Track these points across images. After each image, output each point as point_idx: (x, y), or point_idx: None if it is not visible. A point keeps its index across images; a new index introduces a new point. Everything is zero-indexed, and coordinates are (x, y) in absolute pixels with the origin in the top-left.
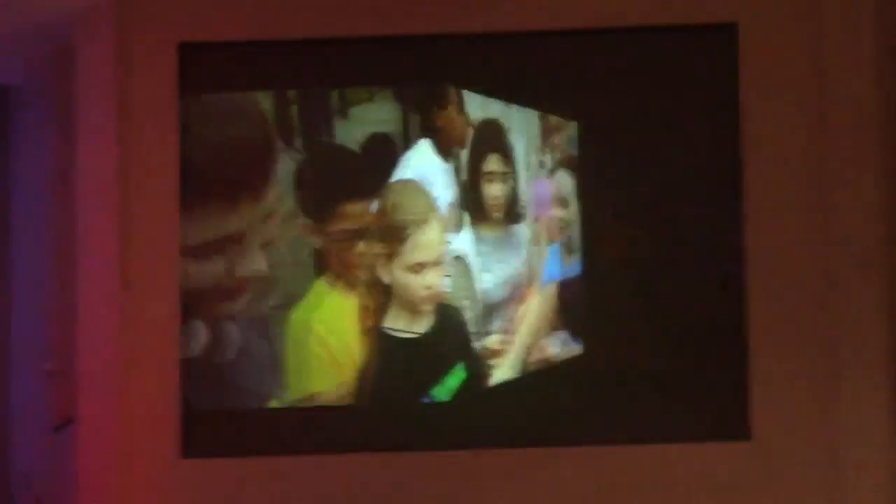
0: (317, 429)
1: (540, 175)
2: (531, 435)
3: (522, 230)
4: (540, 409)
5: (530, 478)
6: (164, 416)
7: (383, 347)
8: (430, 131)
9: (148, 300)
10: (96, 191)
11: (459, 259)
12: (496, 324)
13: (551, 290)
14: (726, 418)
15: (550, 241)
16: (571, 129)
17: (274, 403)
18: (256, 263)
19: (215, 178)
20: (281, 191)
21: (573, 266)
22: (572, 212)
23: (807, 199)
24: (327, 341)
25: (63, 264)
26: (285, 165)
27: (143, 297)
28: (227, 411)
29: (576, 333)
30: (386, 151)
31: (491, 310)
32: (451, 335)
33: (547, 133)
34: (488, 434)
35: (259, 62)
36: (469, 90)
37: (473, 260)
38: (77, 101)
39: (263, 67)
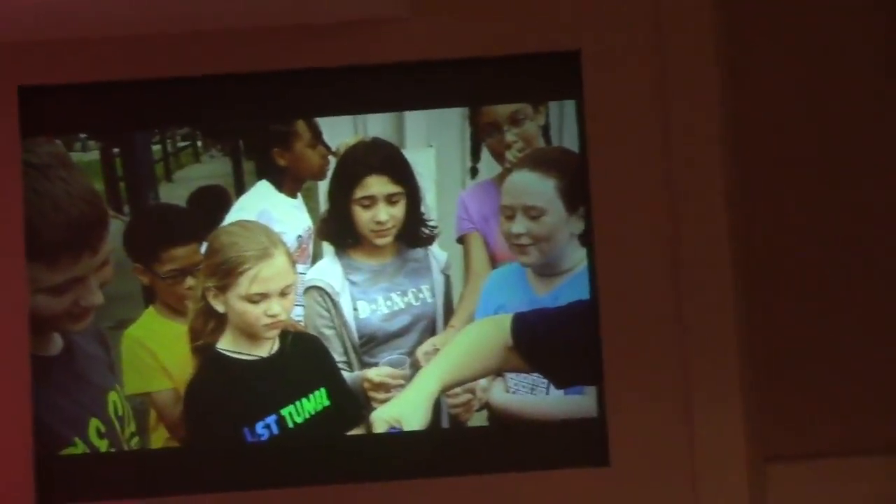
0: (151, 472)
1: (470, 185)
2: (391, 468)
3: (433, 254)
4: (400, 440)
5: None
6: (16, 472)
7: (215, 365)
8: (271, 173)
9: None
10: None
11: (317, 289)
12: (386, 357)
13: (500, 322)
14: (583, 444)
15: (500, 262)
16: (545, 116)
17: (111, 407)
18: (96, 298)
19: (49, 233)
20: (112, 245)
21: (560, 291)
22: (550, 222)
23: (653, 224)
24: (156, 354)
25: None
26: (116, 226)
27: None
28: (73, 458)
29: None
30: (215, 200)
31: (376, 341)
32: (304, 362)
33: (484, 132)
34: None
35: (95, 106)
36: (328, 116)
37: (343, 289)
38: None
39: (98, 111)
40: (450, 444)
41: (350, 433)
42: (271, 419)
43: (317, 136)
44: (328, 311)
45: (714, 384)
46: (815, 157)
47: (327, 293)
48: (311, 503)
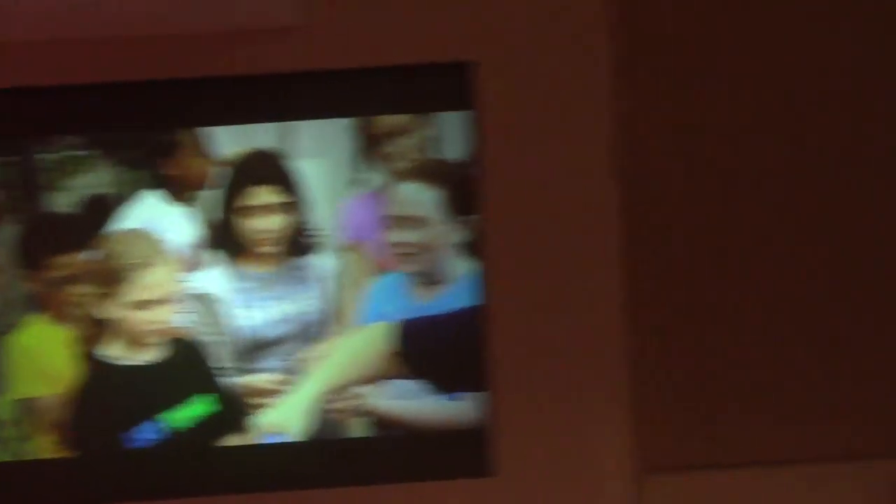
0: (38, 481)
1: (355, 195)
2: (267, 478)
3: (318, 262)
4: (276, 450)
5: None
6: None
7: (99, 371)
8: (157, 183)
9: None
10: None
11: (201, 297)
12: (269, 363)
13: (382, 330)
14: (467, 454)
15: (383, 270)
16: (432, 128)
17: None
18: None
19: None
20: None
21: (440, 300)
22: (432, 231)
23: (543, 234)
24: (40, 359)
25: None
26: (2, 234)
27: None
28: None
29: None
30: (100, 209)
31: (258, 348)
32: (187, 368)
33: (371, 143)
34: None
35: None
36: (215, 126)
37: (228, 297)
38: None
39: None
40: (328, 454)
41: (228, 443)
42: (152, 424)
43: (204, 146)
44: (212, 317)
45: (601, 394)
46: (709, 161)
47: (211, 300)
48: None
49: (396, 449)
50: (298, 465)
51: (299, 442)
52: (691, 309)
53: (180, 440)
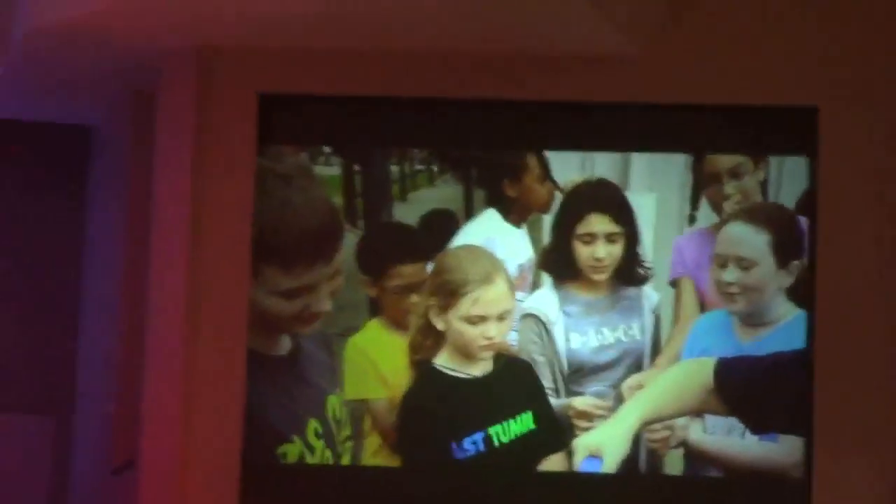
0: (366, 488)
1: (687, 231)
2: None
3: (645, 294)
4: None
5: None
6: (224, 466)
7: (431, 380)
8: (500, 202)
9: (213, 350)
10: (169, 237)
11: (533, 317)
12: (592, 388)
13: (703, 365)
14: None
15: (707, 308)
16: (765, 171)
17: (329, 410)
18: (325, 305)
19: (287, 240)
20: (345, 257)
21: (762, 342)
22: (760, 273)
23: (874, 284)
24: (377, 363)
25: (132, 310)
26: (349, 239)
27: (210, 347)
28: (285, 467)
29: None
30: (445, 223)
31: (582, 373)
32: (514, 385)
33: (706, 182)
34: None
35: (335, 119)
36: (557, 150)
37: (557, 320)
38: (155, 146)
39: (338, 124)
40: (648, 489)
41: (548, 468)
42: (479, 436)
43: (546, 171)
44: (541, 338)
45: None
46: None
47: (542, 321)
48: None
49: (713, 491)
50: (614, 497)
51: (616, 474)
52: None
53: (503, 455)
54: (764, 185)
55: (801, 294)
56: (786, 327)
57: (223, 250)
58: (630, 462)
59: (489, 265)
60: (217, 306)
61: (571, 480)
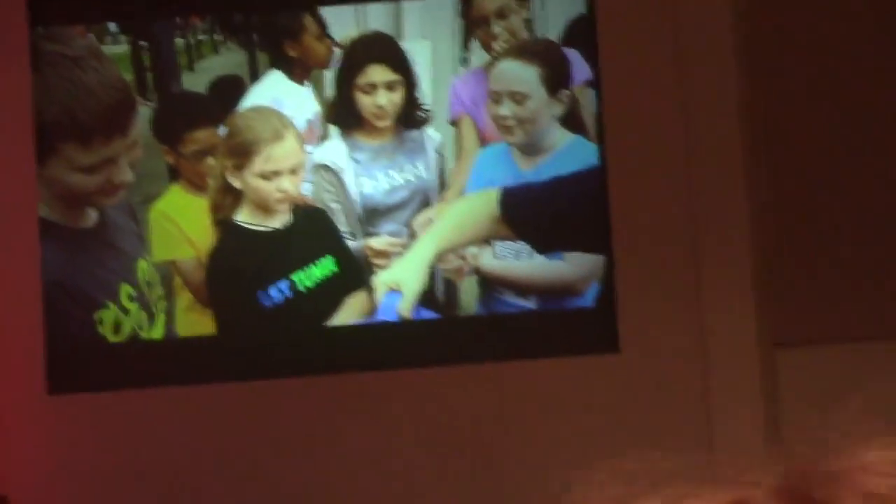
0: (182, 361)
1: (461, 73)
2: (397, 358)
3: (428, 135)
4: (408, 328)
5: (395, 400)
6: (27, 350)
7: (233, 236)
8: (282, 63)
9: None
10: None
11: (325, 167)
12: (385, 227)
13: (488, 196)
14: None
15: (487, 142)
16: (529, 9)
17: (140, 274)
18: (126, 176)
19: (83, 118)
20: (140, 129)
21: (540, 168)
22: (533, 105)
23: (662, 101)
24: (181, 225)
25: None
26: (144, 112)
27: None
28: (92, 345)
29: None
30: (232, 88)
31: (376, 214)
32: (312, 232)
33: (474, 25)
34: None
35: None
36: (330, 5)
37: (347, 167)
38: None
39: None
40: (450, 333)
41: (358, 323)
42: (283, 284)
43: (322, 28)
44: (334, 186)
45: (725, 269)
46: (825, 42)
47: (333, 171)
48: (305, 393)
49: (521, 327)
50: (424, 345)
51: (422, 321)
52: (817, 184)
53: (309, 299)
54: (529, 23)
55: (572, 121)
56: (561, 153)
57: (5, 136)
58: (428, 293)
59: (278, 123)
60: (3, 186)
61: (375, 330)
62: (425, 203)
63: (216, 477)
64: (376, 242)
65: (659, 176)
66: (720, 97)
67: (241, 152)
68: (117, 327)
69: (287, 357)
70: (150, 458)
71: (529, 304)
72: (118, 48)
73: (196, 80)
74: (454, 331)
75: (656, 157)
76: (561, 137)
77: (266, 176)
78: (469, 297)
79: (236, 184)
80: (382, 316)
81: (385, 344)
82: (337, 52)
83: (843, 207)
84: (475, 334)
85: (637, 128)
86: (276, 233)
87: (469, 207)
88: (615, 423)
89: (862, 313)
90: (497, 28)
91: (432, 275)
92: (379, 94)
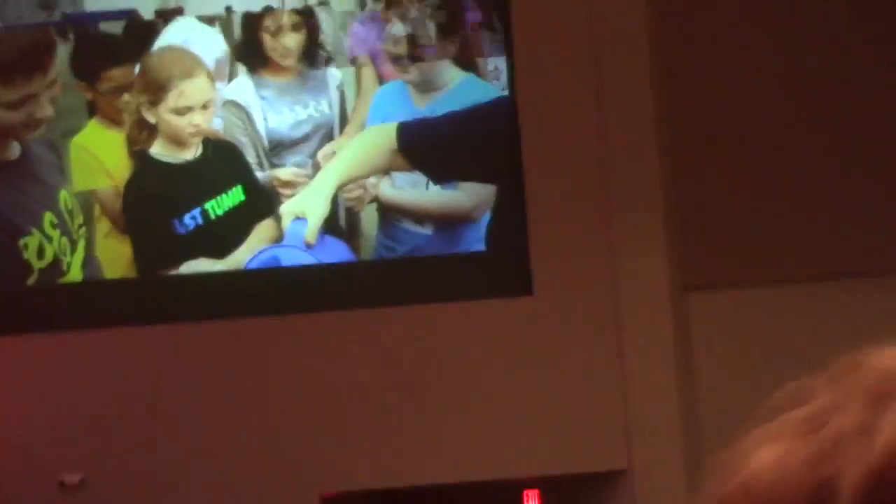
0: (103, 303)
1: (361, 15)
2: (312, 299)
3: (330, 73)
4: (318, 271)
5: (317, 343)
6: None
7: (149, 167)
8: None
9: None
10: None
11: (234, 103)
12: (292, 159)
13: (387, 129)
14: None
15: (385, 80)
16: None
17: (62, 203)
18: (47, 111)
19: (4, 58)
20: (60, 65)
21: (434, 105)
22: (427, 46)
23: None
24: (99, 157)
25: None
26: (62, 51)
27: None
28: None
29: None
30: (146, 29)
31: (282, 147)
32: (222, 164)
33: None
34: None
35: None
36: None
37: (255, 103)
38: None
39: None
40: (366, 276)
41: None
42: (196, 211)
43: None
44: (242, 121)
45: (637, 213)
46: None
47: (242, 106)
48: (217, 337)
49: (435, 269)
50: (340, 287)
51: (337, 265)
52: (728, 125)
53: (220, 226)
54: None
55: (464, 60)
56: (455, 90)
57: None
58: (331, 220)
59: (189, 61)
60: None
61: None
62: (328, 137)
63: (137, 419)
64: (283, 173)
65: (569, 120)
66: (631, 35)
67: (155, 89)
68: (41, 252)
69: (201, 302)
70: (67, 402)
71: (426, 230)
72: None
73: (113, 23)
74: (371, 274)
75: (566, 100)
76: (454, 75)
77: (179, 111)
78: (369, 224)
79: (151, 119)
80: (288, 242)
81: (303, 287)
82: None
83: (753, 151)
84: (397, 277)
85: (547, 67)
86: (188, 164)
87: (369, 140)
88: (530, 363)
89: (772, 257)
90: None
91: (335, 203)
92: (284, 35)
